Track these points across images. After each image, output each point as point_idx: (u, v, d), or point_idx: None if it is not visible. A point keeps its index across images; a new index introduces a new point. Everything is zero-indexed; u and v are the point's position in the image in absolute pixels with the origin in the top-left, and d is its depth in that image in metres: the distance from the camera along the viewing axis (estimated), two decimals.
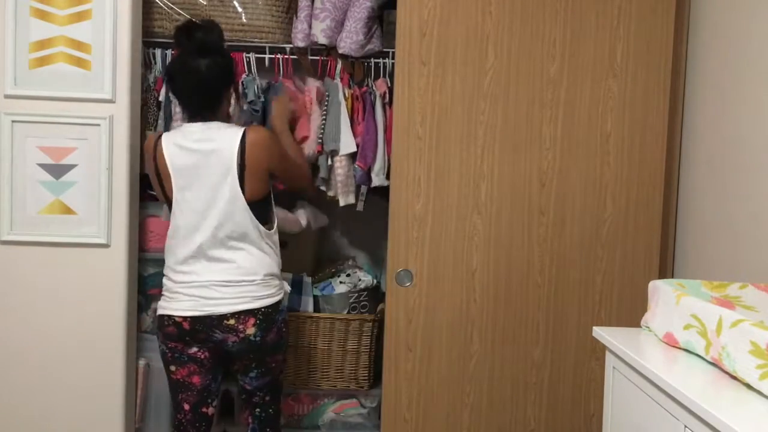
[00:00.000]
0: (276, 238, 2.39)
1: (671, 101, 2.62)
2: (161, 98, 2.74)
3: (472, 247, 2.56)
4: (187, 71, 2.27)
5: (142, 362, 2.71)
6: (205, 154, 2.25)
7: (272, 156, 2.31)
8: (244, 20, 2.76)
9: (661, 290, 1.71)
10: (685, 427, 1.38)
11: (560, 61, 2.54)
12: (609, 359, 1.79)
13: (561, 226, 2.57)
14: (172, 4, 2.73)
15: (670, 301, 1.65)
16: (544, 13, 2.52)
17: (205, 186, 2.26)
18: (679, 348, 1.62)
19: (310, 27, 2.72)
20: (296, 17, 2.76)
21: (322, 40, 2.71)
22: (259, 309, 2.27)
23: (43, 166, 2.52)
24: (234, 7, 2.76)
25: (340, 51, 2.73)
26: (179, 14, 2.73)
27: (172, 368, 2.33)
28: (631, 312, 2.59)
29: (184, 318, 2.25)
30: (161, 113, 2.74)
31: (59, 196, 2.53)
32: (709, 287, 1.76)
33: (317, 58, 2.80)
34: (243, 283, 2.26)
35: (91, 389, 2.57)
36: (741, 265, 2.22)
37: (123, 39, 2.51)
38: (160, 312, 2.32)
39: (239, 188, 2.25)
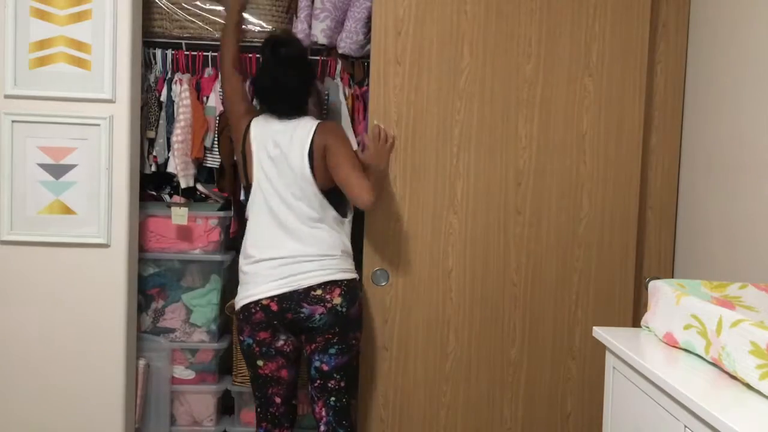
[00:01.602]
0: (349, 227, 2.50)
1: (672, 101, 2.63)
2: (162, 98, 2.74)
3: (448, 247, 2.57)
4: (275, 85, 2.42)
5: (142, 362, 2.71)
6: (285, 132, 2.40)
7: (329, 136, 2.39)
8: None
9: (661, 290, 1.71)
10: (685, 427, 1.38)
11: (536, 60, 2.54)
12: (609, 359, 1.79)
13: (537, 225, 2.58)
14: (172, 4, 2.73)
15: (670, 301, 1.65)
16: (519, 12, 2.53)
17: (280, 160, 2.39)
18: (679, 348, 1.62)
19: (310, 27, 2.72)
20: (296, 17, 2.76)
21: (322, 40, 2.71)
22: (342, 281, 2.37)
23: (43, 166, 2.51)
24: None
25: (340, 51, 2.73)
26: (179, 14, 2.73)
27: (260, 363, 2.39)
28: (607, 310, 2.60)
29: (272, 298, 2.33)
30: (162, 113, 2.74)
31: (59, 196, 2.53)
32: (709, 287, 1.76)
33: (317, 58, 2.80)
34: (325, 257, 2.36)
35: (91, 389, 2.56)
36: (741, 265, 2.22)
37: (123, 39, 2.51)
38: (243, 302, 2.37)
39: (310, 172, 2.37)
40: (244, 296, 2.38)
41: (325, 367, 2.39)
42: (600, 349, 1.87)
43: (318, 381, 2.41)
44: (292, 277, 2.34)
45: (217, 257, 2.78)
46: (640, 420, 1.60)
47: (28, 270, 2.53)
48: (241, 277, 2.43)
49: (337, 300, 2.34)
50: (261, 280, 2.35)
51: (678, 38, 2.63)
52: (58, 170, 2.52)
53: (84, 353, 2.56)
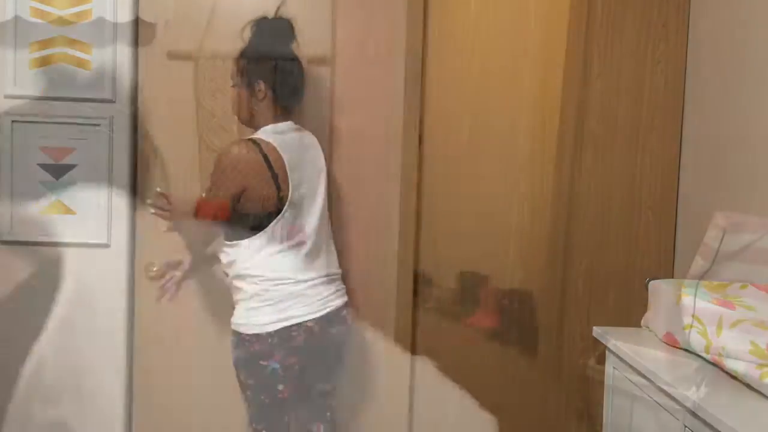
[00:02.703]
0: None
1: (672, 101, 2.63)
2: None
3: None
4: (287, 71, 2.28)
5: None
6: (306, 149, 2.30)
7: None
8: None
9: (661, 290, 1.72)
10: (685, 427, 1.38)
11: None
12: (609, 359, 1.79)
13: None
14: None
15: (670, 301, 1.65)
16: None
17: (311, 180, 2.28)
18: (679, 348, 1.62)
19: None
20: None
21: None
22: (347, 300, 2.33)
23: (43, 166, 2.51)
24: None
25: None
26: None
27: (280, 387, 2.17)
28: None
29: (315, 321, 2.18)
30: None
31: (59, 196, 2.53)
32: (709, 287, 1.76)
33: None
34: (339, 276, 2.33)
35: (91, 389, 2.56)
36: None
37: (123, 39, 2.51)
38: (282, 324, 2.14)
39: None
40: (284, 318, 2.15)
41: (329, 386, 2.34)
42: (600, 349, 1.87)
43: (320, 399, 2.34)
44: (328, 297, 2.23)
45: None
46: (640, 420, 1.60)
47: (28, 270, 2.53)
48: (269, 295, 2.16)
49: (350, 319, 2.31)
50: (299, 300, 2.17)
51: (678, 38, 2.63)
52: (58, 170, 2.52)
53: (84, 354, 2.56)
